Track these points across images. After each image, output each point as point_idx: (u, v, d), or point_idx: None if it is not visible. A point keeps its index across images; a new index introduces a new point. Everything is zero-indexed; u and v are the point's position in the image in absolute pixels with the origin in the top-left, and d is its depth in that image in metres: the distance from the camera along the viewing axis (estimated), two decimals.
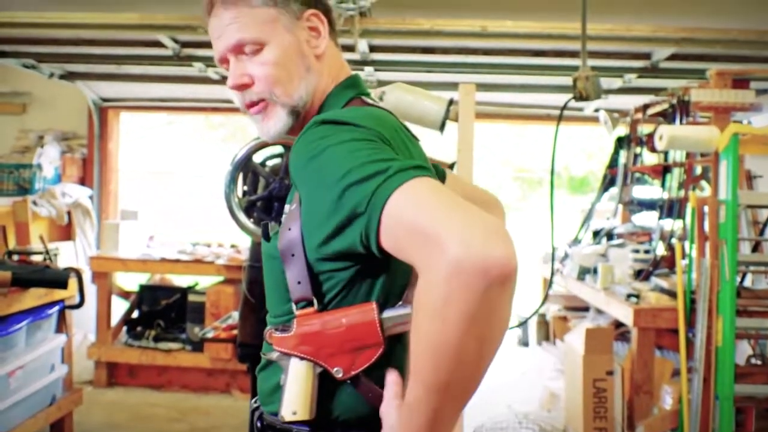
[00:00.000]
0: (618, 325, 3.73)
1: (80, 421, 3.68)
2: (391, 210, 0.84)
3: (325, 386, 1.01)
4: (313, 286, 1.01)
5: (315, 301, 1.01)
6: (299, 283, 1.01)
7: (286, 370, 1.00)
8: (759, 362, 3.56)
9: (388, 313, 0.99)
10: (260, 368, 1.13)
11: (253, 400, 1.17)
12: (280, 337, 1.02)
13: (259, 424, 1.12)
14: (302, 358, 1.00)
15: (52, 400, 3.36)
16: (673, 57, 3.62)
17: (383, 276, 1.02)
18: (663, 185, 3.87)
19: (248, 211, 1.82)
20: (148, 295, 4.61)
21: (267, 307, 1.12)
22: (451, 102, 1.86)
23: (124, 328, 4.64)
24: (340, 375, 0.99)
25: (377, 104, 1.16)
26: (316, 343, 1.00)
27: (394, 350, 1.00)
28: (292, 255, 1.01)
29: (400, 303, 1.02)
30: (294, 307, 1.02)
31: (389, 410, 0.94)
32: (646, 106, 4.12)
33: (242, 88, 1.12)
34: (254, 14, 1.11)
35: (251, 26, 1.10)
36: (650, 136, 3.87)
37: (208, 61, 3.94)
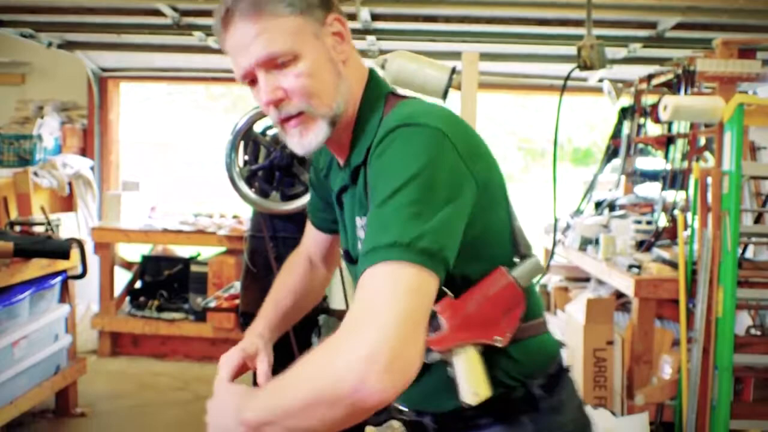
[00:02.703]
0: (619, 295, 3.74)
1: (85, 390, 3.72)
2: (380, 273, 0.90)
3: (487, 359, 1.05)
4: None
5: (447, 292, 1.03)
6: None
7: (452, 362, 1.04)
8: (758, 333, 3.58)
9: (516, 271, 1.07)
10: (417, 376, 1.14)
11: (399, 409, 1.18)
12: (436, 338, 1.04)
13: (436, 425, 1.14)
14: (466, 345, 1.04)
15: (57, 370, 3.39)
16: (678, 26, 3.58)
17: (480, 238, 1.05)
18: (666, 156, 3.85)
19: (249, 180, 1.81)
20: (150, 266, 4.63)
21: None
22: (453, 70, 1.84)
23: (127, 299, 4.66)
24: (500, 343, 1.05)
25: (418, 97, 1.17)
26: (470, 326, 1.04)
27: (529, 302, 1.09)
28: None
29: (516, 258, 1.10)
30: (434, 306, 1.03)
31: (224, 391, 1.11)
32: (650, 77, 4.08)
33: (278, 103, 1.07)
34: (281, 24, 1.04)
35: (281, 38, 1.04)
36: (654, 106, 3.84)
37: (207, 30, 3.90)
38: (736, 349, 2.96)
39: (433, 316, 1.02)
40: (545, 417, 1.10)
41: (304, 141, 1.09)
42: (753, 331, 3.58)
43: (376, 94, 1.13)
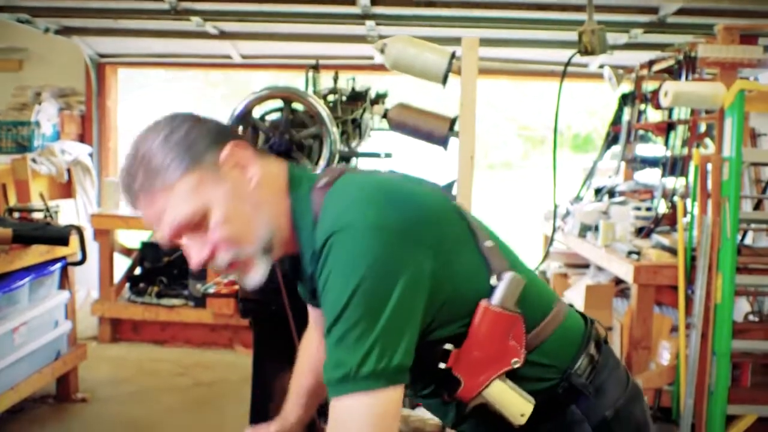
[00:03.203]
0: (618, 281, 3.74)
1: (85, 376, 3.73)
2: (342, 405, 0.97)
3: (517, 377, 1.08)
4: (435, 347, 1.06)
5: (449, 348, 1.06)
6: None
7: (488, 401, 1.07)
8: (757, 319, 3.59)
9: (496, 296, 1.06)
10: (470, 426, 1.17)
11: None
12: (461, 393, 1.07)
13: None
14: (491, 382, 1.07)
15: (57, 356, 3.39)
16: (680, 12, 3.56)
17: (455, 294, 1.06)
18: (666, 143, 3.85)
19: None
20: (149, 252, 4.63)
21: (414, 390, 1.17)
22: (453, 55, 1.83)
23: (127, 285, 4.67)
24: (519, 364, 1.07)
25: (335, 181, 1.10)
26: (483, 366, 1.06)
27: (528, 309, 1.10)
28: None
29: (494, 279, 1.08)
30: (441, 365, 1.07)
31: None
32: (651, 62, 4.07)
33: (209, 260, 1.08)
34: (179, 190, 1.04)
35: (182, 205, 1.04)
36: (655, 92, 3.83)
37: (205, 15, 3.87)
38: (734, 335, 2.96)
39: (449, 374, 1.06)
40: (591, 400, 1.12)
41: (249, 280, 1.10)
42: (751, 317, 3.59)
43: (301, 195, 1.10)
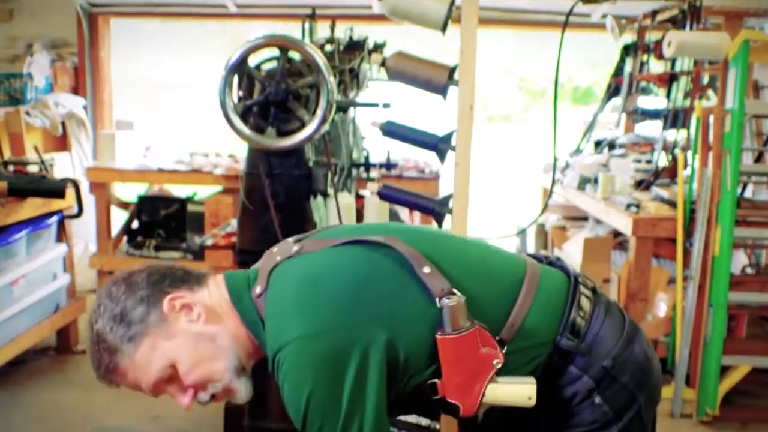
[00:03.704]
0: (616, 234, 3.75)
1: (85, 329, 3.75)
2: None
3: (508, 370, 1.11)
4: (422, 385, 1.12)
5: (434, 381, 1.10)
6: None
7: (492, 404, 1.11)
8: (753, 271, 3.60)
9: (445, 325, 1.07)
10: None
11: None
12: (463, 411, 1.11)
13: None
14: (486, 387, 1.10)
15: (57, 308, 3.41)
16: None
17: (412, 347, 1.09)
18: (668, 95, 3.80)
19: (244, 116, 1.77)
20: (147, 206, 4.61)
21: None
22: (453, 2, 1.79)
23: (125, 239, 4.66)
24: (501, 363, 1.10)
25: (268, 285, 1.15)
26: (470, 383, 1.09)
27: (489, 312, 1.12)
28: None
29: (437, 304, 1.09)
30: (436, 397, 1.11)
31: None
32: (655, 12, 3.99)
33: (194, 399, 1.15)
34: (141, 359, 1.12)
35: (149, 367, 1.12)
36: (658, 43, 3.76)
37: None
38: (731, 287, 2.98)
39: (444, 402, 1.10)
40: (587, 356, 1.14)
41: (238, 400, 1.17)
42: (748, 269, 3.60)
43: (245, 307, 1.15)
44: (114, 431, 2.82)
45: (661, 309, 3.35)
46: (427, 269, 1.11)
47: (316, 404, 1.02)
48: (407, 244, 1.13)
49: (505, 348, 1.11)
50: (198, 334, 1.13)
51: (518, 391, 1.09)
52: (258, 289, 1.14)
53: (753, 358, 3.08)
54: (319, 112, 1.74)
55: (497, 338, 1.11)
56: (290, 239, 1.22)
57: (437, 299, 1.08)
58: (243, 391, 1.16)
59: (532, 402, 1.09)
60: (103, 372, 1.15)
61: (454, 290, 1.09)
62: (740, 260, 3.77)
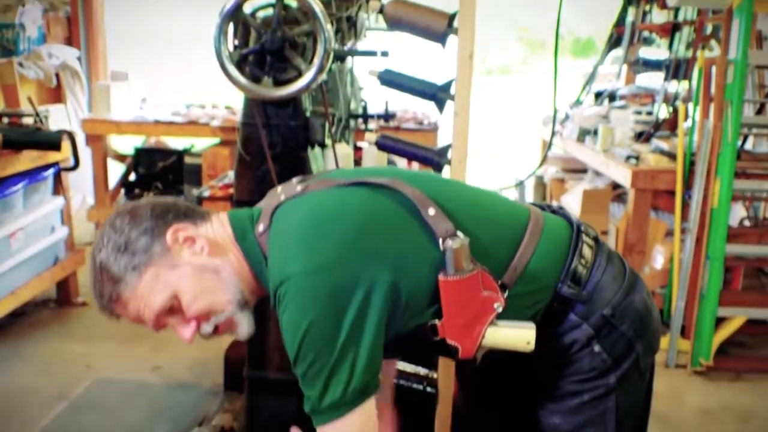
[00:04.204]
0: (615, 186, 3.74)
1: (85, 281, 3.76)
2: None
3: (510, 314, 1.11)
4: (422, 327, 1.11)
5: (434, 323, 1.09)
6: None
7: (490, 347, 1.11)
8: (751, 224, 3.61)
9: (448, 267, 1.07)
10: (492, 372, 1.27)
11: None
12: (462, 353, 1.10)
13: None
14: (486, 330, 1.10)
15: (56, 261, 3.42)
16: None
17: (414, 288, 1.08)
18: (671, 45, 3.75)
19: (240, 66, 1.74)
20: (144, 158, 4.58)
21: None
22: None
23: (122, 191, 4.65)
24: (502, 306, 1.10)
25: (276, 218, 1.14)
26: (471, 325, 1.09)
27: (491, 256, 1.11)
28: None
29: (441, 246, 1.07)
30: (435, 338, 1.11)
31: None
32: None
33: (196, 331, 1.14)
34: (144, 289, 1.11)
35: (152, 298, 1.11)
36: None
37: None
38: (728, 240, 2.98)
39: (443, 343, 1.10)
40: (587, 304, 1.15)
41: (240, 335, 1.16)
42: (746, 222, 3.61)
43: (249, 243, 1.15)
44: (116, 382, 2.85)
45: (658, 261, 3.36)
46: (432, 211, 1.10)
47: (313, 337, 1.01)
48: (412, 186, 1.12)
49: (507, 292, 1.11)
50: (201, 266, 1.12)
51: (518, 335, 1.09)
52: (261, 227, 1.14)
53: (748, 310, 3.11)
54: (316, 61, 1.71)
55: (499, 282, 1.10)
56: (294, 179, 1.21)
57: (440, 241, 1.07)
58: (245, 325, 1.15)
59: (531, 347, 1.10)
60: (105, 302, 1.14)
61: (458, 232, 1.08)
62: (738, 213, 3.77)
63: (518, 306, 1.12)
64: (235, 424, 2.30)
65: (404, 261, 1.07)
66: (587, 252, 1.17)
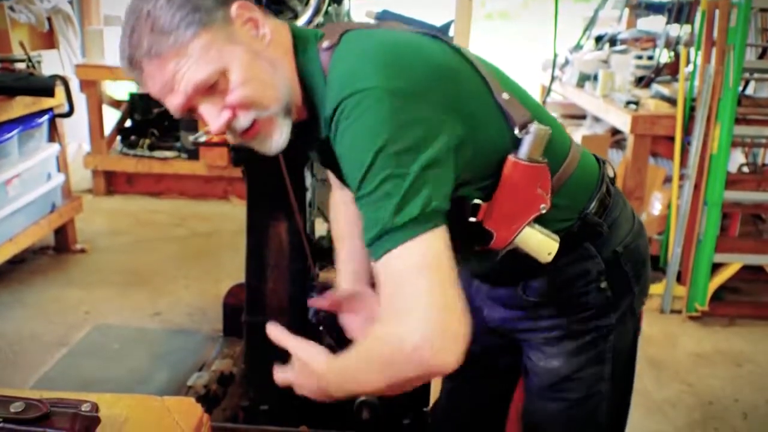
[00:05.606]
0: (614, 132, 3.72)
1: (83, 228, 3.78)
2: (388, 263, 0.90)
3: (541, 220, 1.07)
4: (463, 203, 1.03)
5: (479, 202, 1.04)
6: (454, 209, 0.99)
7: (518, 247, 1.07)
8: (750, 170, 3.60)
9: (524, 149, 1.03)
10: (502, 280, 1.21)
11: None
12: (495, 242, 1.06)
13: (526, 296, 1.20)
14: (524, 227, 1.06)
15: (53, 208, 3.42)
16: None
17: (479, 150, 1.02)
18: None
19: None
20: (139, 104, 4.53)
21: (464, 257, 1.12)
22: None
23: (118, 138, 4.61)
24: (546, 209, 1.06)
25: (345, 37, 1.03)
26: (514, 217, 1.05)
27: (551, 152, 1.07)
28: None
29: (517, 131, 1.05)
30: (472, 219, 1.05)
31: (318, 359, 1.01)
32: None
33: (229, 124, 1.01)
34: (193, 51, 0.96)
35: (197, 65, 0.97)
36: None
37: None
38: (726, 186, 2.98)
39: (480, 228, 1.05)
40: (604, 237, 1.15)
41: (272, 144, 1.04)
42: (745, 168, 3.60)
43: (309, 56, 1.04)
44: (115, 328, 2.88)
45: (656, 207, 3.37)
46: (506, 95, 1.06)
47: (389, 154, 0.89)
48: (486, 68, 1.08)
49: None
50: (259, 53, 1.01)
51: (544, 243, 1.08)
52: (326, 43, 1.03)
53: (744, 256, 3.13)
54: (312, 2, 1.68)
55: None
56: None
57: (516, 127, 1.04)
58: (282, 133, 1.04)
59: (549, 258, 1.09)
60: (139, 55, 0.99)
61: (535, 121, 1.05)
62: (737, 159, 3.76)
63: (549, 217, 1.09)
64: (235, 369, 2.34)
65: (477, 123, 1.02)
66: (610, 189, 1.19)
